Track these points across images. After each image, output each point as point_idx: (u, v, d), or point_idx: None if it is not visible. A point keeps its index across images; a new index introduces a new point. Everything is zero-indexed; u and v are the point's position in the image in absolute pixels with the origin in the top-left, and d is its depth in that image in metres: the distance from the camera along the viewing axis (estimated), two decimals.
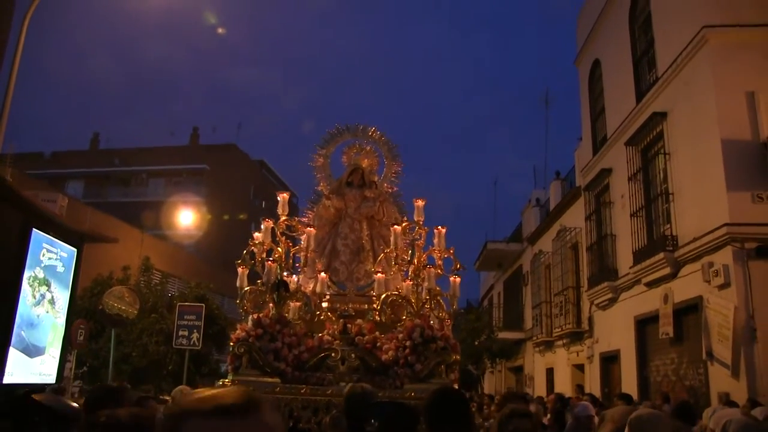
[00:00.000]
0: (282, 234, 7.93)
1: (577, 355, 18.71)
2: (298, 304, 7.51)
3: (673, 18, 13.33)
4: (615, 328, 15.65)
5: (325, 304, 7.71)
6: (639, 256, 13.74)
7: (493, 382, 31.05)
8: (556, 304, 20.61)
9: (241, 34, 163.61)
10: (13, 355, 8.28)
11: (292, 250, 7.98)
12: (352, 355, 6.93)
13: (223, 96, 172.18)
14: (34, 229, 8.75)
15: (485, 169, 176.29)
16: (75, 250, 10.12)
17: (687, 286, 11.95)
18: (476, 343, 25.41)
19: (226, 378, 6.98)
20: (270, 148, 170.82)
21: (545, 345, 21.98)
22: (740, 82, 11.37)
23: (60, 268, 9.63)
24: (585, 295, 17.86)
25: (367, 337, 7.14)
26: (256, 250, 7.68)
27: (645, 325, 14.05)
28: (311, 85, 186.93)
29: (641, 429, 3.33)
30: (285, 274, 7.62)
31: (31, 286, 8.76)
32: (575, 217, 19.22)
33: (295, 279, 7.91)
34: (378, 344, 7.09)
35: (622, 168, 15.05)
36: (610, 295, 15.77)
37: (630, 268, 14.22)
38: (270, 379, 6.69)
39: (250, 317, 7.26)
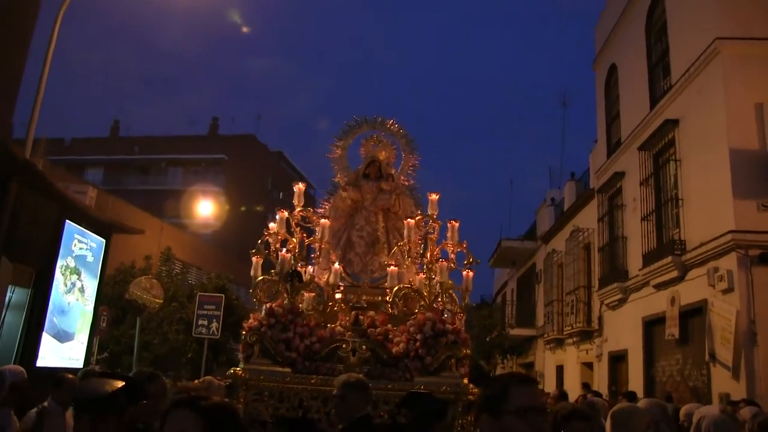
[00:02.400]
0: (297, 225, 7.85)
1: (587, 354, 19.03)
2: (312, 294, 7.42)
3: (688, 28, 13.59)
4: (624, 328, 15.97)
5: (338, 296, 7.63)
6: (648, 258, 14.06)
7: None
8: (567, 303, 20.95)
9: (262, 25, 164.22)
10: (46, 340, 8.78)
11: (307, 241, 7.89)
12: (363, 347, 6.87)
13: (243, 87, 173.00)
14: (67, 220, 9.22)
15: (502, 166, 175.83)
16: (104, 240, 10.60)
17: (693, 289, 12.27)
18: (488, 339, 25.79)
19: (238, 367, 6.93)
20: (288, 140, 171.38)
21: (556, 342, 22.32)
22: (750, 93, 11.63)
23: (90, 258, 10.12)
24: (596, 295, 18.17)
25: (379, 329, 7.11)
26: (270, 240, 7.61)
27: (652, 326, 14.37)
28: (329, 78, 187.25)
29: (620, 420, 3.74)
30: (299, 264, 7.55)
31: (63, 274, 9.25)
32: (588, 218, 19.52)
33: (310, 270, 7.82)
34: (390, 336, 7.06)
35: (635, 172, 15.35)
36: (619, 296, 16.09)
37: (639, 270, 14.55)
38: (281, 369, 6.64)
39: (264, 307, 7.21)
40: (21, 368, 5.39)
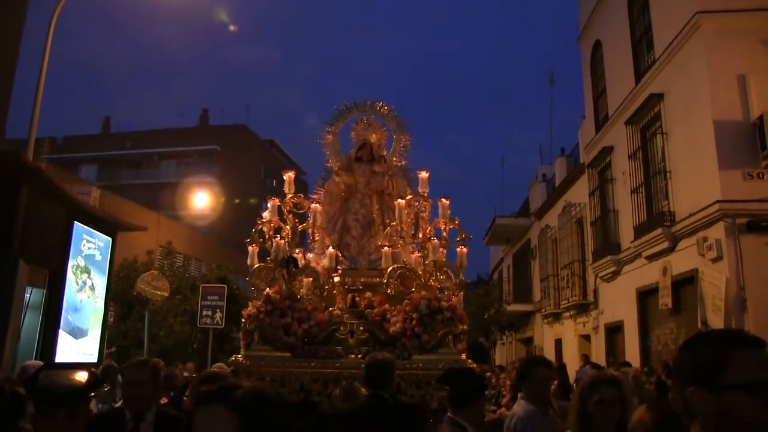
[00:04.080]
0: (289, 212, 7.89)
1: (584, 326, 19.43)
2: (309, 279, 7.48)
3: (669, 2, 13.86)
4: (618, 300, 16.35)
5: (336, 279, 7.65)
6: (639, 230, 14.41)
7: (504, 354, 31.84)
8: (562, 278, 21.32)
9: (246, 14, 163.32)
10: (62, 336, 9.12)
11: (300, 226, 7.94)
12: (361, 328, 6.96)
13: (231, 77, 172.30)
14: (75, 222, 9.53)
15: (494, 144, 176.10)
16: (110, 239, 10.90)
17: (684, 259, 12.63)
18: (486, 316, 26.17)
19: (238, 354, 7.02)
20: (279, 128, 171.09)
21: (553, 317, 22.71)
22: (732, 65, 11.90)
23: (98, 257, 10.43)
24: (590, 269, 18.54)
25: (376, 309, 7.17)
26: (264, 228, 7.69)
27: (646, 296, 14.75)
28: (316, 62, 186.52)
29: None
30: (297, 251, 7.66)
31: (74, 274, 9.58)
32: (580, 192, 19.86)
33: (309, 255, 7.91)
34: (387, 316, 7.11)
35: (623, 146, 15.66)
36: (613, 269, 16.46)
37: (631, 242, 14.90)
38: (280, 354, 6.74)
39: (263, 294, 7.25)
40: (42, 363, 5.66)
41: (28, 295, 8.63)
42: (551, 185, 24.83)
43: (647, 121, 14.63)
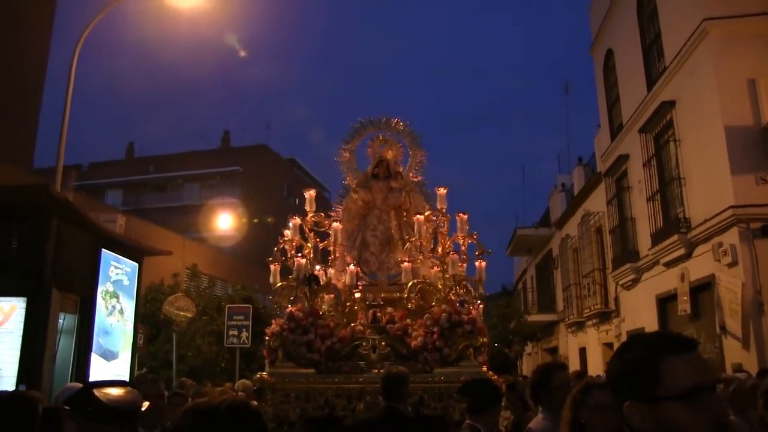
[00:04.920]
0: (310, 230, 8.07)
1: (606, 334, 19.45)
2: (331, 296, 7.64)
3: (677, 9, 14.01)
4: (639, 307, 16.41)
5: (358, 295, 7.78)
6: (656, 238, 14.53)
7: (530, 364, 31.84)
8: (584, 286, 21.40)
9: (262, 35, 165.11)
10: (95, 359, 9.53)
11: (321, 244, 8.07)
12: (383, 343, 7.07)
13: (251, 98, 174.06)
14: (102, 249, 9.94)
15: (513, 153, 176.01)
16: (136, 264, 11.29)
17: (700, 265, 12.71)
18: (511, 326, 26.23)
19: (264, 371, 7.13)
20: (300, 146, 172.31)
21: (576, 325, 22.75)
22: (741, 70, 12.00)
23: (126, 282, 10.81)
24: (610, 277, 18.62)
25: (397, 324, 7.28)
26: (286, 247, 7.83)
27: (666, 303, 14.82)
28: (334, 78, 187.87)
29: None
30: (318, 268, 7.78)
31: (103, 299, 9.97)
32: (598, 201, 19.96)
33: (331, 272, 8.01)
34: (408, 331, 7.21)
35: (638, 154, 15.79)
36: (632, 276, 16.54)
37: (649, 249, 15.01)
38: (304, 370, 6.85)
39: (286, 312, 7.37)
40: (80, 385, 5.97)
41: (61, 321, 9.02)
42: (570, 195, 24.94)
43: (660, 128, 14.76)
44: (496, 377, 7.24)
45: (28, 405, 3.50)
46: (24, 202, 8.68)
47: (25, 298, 8.43)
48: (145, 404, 4.57)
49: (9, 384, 7.77)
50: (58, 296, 8.53)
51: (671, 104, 14.02)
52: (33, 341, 8.25)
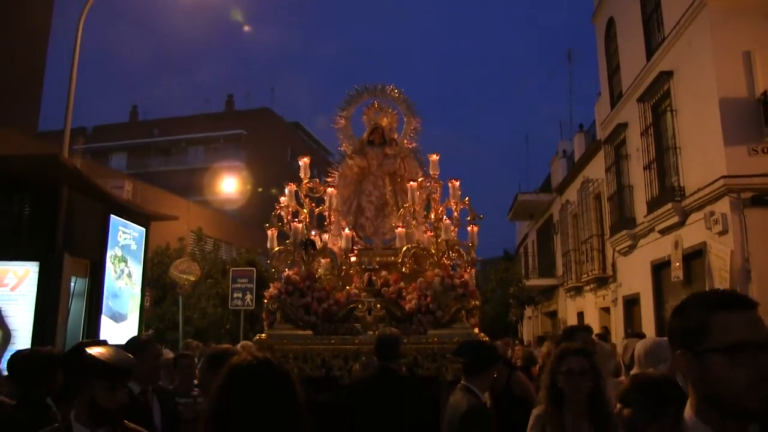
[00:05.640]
0: (306, 196, 8.11)
1: (604, 299, 19.88)
2: (327, 260, 7.71)
3: None
4: (635, 273, 16.76)
5: (353, 259, 7.84)
6: (652, 205, 14.81)
7: (530, 327, 32.31)
8: (583, 252, 21.76)
9: None
10: (105, 321, 9.97)
11: (317, 210, 8.18)
12: (378, 306, 7.14)
13: (255, 61, 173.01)
14: (111, 215, 10.30)
15: (517, 117, 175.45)
16: (144, 229, 11.65)
17: (693, 233, 13.02)
18: (511, 291, 26.64)
19: (263, 333, 7.24)
20: (304, 109, 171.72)
21: (575, 290, 23.17)
22: (738, 42, 12.12)
23: (133, 246, 11.18)
24: (608, 243, 18.95)
25: (392, 288, 7.37)
26: (282, 213, 7.91)
27: (660, 269, 15.15)
28: (338, 44, 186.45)
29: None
30: (313, 233, 7.85)
31: (112, 263, 10.37)
32: (597, 168, 20.21)
33: (326, 237, 8.10)
34: (402, 294, 7.32)
35: (636, 123, 16.00)
36: (629, 243, 16.87)
37: (645, 217, 15.31)
38: (302, 332, 6.97)
39: (282, 275, 7.47)
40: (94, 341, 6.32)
41: (73, 284, 9.42)
42: (571, 161, 25.12)
43: (658, 98, 14.95)
44: (487, 339, 7.50)
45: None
46: (36, 171, 9.03)
47: (38, 263, 8.80)
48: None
49: (25, 343, 8.16)
50: (70, 261, 8.90)
51: (669, 74, 14.19)
52: (46, 303, 8.66)
